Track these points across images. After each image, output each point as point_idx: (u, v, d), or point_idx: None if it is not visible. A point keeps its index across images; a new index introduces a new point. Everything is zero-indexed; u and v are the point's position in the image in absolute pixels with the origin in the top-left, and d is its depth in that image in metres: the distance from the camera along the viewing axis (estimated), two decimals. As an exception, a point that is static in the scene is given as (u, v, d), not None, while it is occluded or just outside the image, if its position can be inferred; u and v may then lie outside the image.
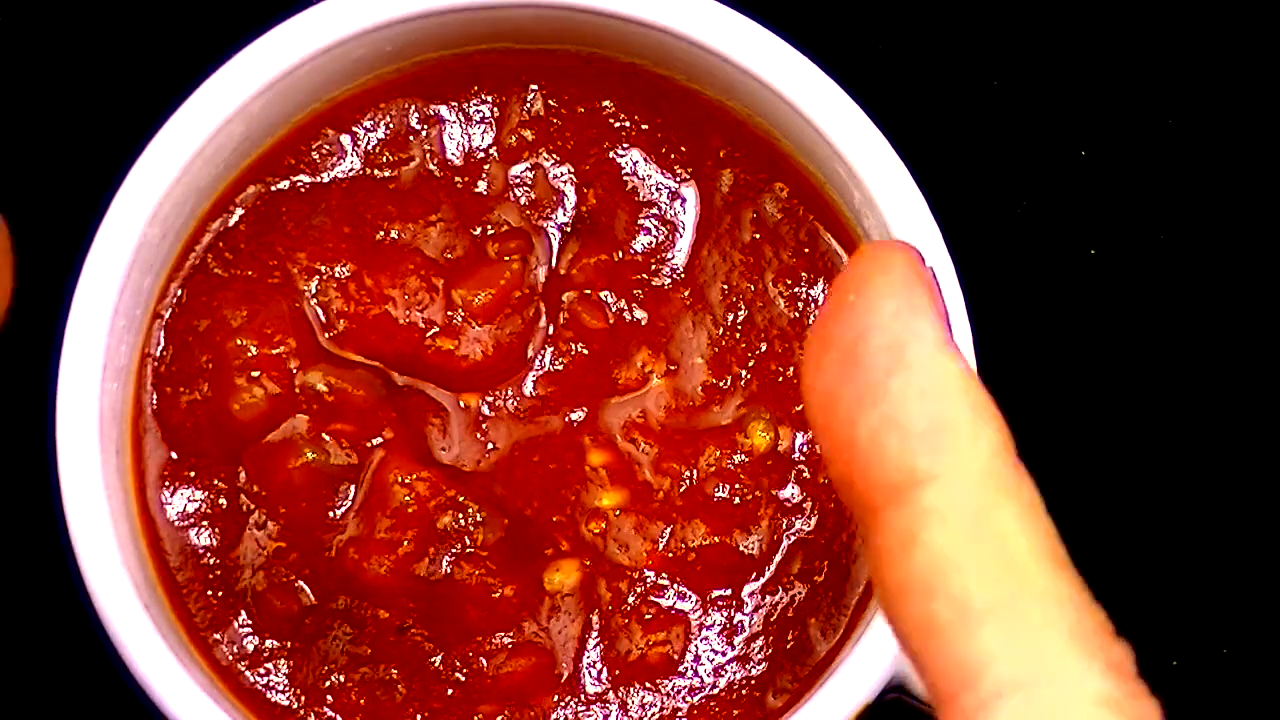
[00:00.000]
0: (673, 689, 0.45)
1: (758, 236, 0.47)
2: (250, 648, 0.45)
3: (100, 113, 0.54)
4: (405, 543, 0.45)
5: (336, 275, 0.46)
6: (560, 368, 0.46)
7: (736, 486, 0.46)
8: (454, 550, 0.45)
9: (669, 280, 0.47)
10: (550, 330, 0.46)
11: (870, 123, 0.45)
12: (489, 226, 0.47)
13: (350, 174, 0.47)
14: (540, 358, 0.46)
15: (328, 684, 0.45)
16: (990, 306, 0.47)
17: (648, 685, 0.45)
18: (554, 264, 0.46)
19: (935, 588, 0.27)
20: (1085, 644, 0.27)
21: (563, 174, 0.47)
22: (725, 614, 0.45)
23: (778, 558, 0.46)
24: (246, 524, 0.45)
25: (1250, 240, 0.54)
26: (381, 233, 0.46)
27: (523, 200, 0.47)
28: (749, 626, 0.45)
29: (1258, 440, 0.54)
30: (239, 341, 0.45)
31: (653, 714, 0.45)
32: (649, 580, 0.45)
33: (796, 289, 0.46)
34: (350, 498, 0.45)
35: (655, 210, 0.47)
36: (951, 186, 0.50)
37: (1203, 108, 0.55)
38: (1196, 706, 0.53)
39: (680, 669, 0.45)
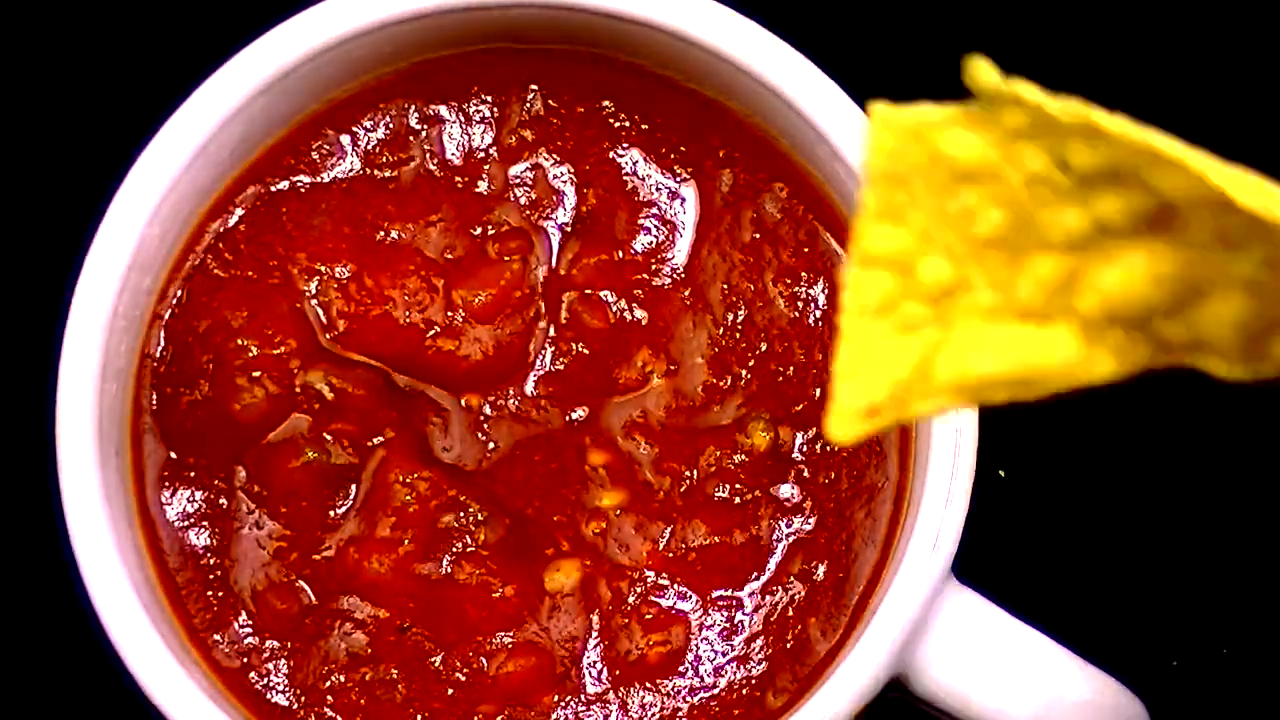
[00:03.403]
0: (673, 689, 0.45)
1: (758, 236, 0.47)
2: (250, 648, 0.45)
3: (100, 113, 0.54)
4: (406, 542, 0.45)
5: (336, 275, 0.46)
6: (561, 368, 0.46)
7: (736, 486, 0.46)
8: (454, 550, 0.45)
9: (669, 280, 0.47)
10: (550, 330, 0.46)
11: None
12: (489, 226, 0.47)
13: (350, 174, 0.47)
14: (541, 358, 0.46)
15: (328, 684, 0.45)
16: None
17: (648, 685, 0.45)
18: (554, 264, 0.46)
19: None
20: None
21: (563, 174, 0.47)
22: (725, 614, 0.45)
23: (777, 558, 0.46)
24: (246, 524, 0.45)
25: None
26: (381, 233, 0.46)
27: (523, 200, 0.47)
28: (749, 626, 0.45)
29: (1257, 440, 0.54)
30: (239, 342, 0.45)
31: (653, 714, 0.45)
32: (649, 580, 0.45)
33: (796, 289, 0.46)
34: (351, 497, 0.45)
35: (655, 210, 0.47)
36: (951, 186, 0.50)
37: (1202, 108, 0.55)
38: (1196, 706, 0.53)
39: (680, 669, 0.45)
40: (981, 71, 0.28)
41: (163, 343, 0.46)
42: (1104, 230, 0.29)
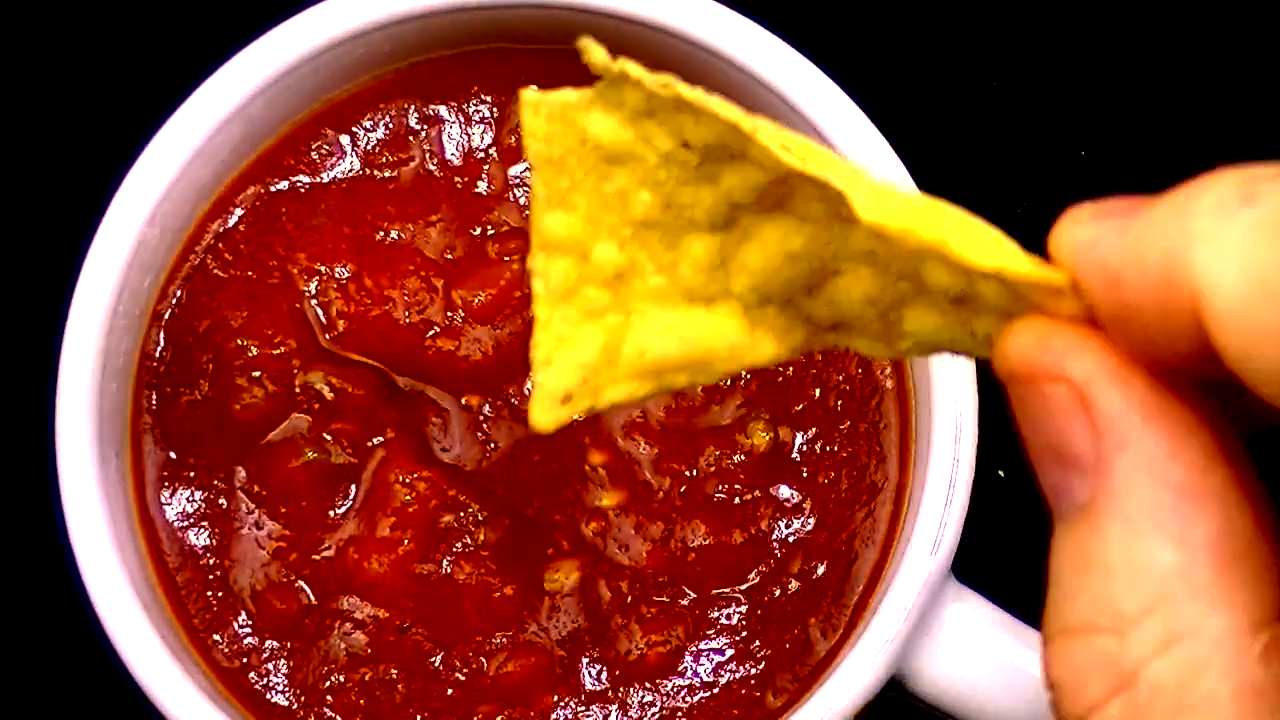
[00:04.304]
0: (673, 689, 0.45)
1: (758, 236, 0.47)
2: (250, 648, 0.45)
3: (100, 113, 0.54)
4: (405, 542, 0.45)
5: (336, 275, 0.46)
6: (560, 368, 0.46)
7: (736, 486, 0.46)
8: (454, 550, 0.45)
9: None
10: (550, 330, 0.46)
11: (870, 123, 0.45)
12: (489, 226, 0.47)
13: (350, 174, 0.47)
14: (540, 358, 0.46)
15: (328, 684, 0.45)
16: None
17: (648, 685, 0.45)
18: (554, 264, 0.46)
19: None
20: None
21: (563, 174, 0.47)
22: (725, 614, 0.45)
23: (777, 558, 0.46)
24: (246, 524, 0.45)
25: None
26: (381, 233, 0.46)
27: (522, 200, 0.47)
28: (749, 626, 0.45)
29: (1256, 439, 0.54)
30: (239, 342, 0.45)
31: (653, 714, 0.45)
32: (649, 580, 0.45)
33: (796, 289, 0.46)
34: (351, 497, 0.45)
35: (655, 210, 0.47)
36: (951, 186, 0.50)
37: (1202, 108, 0.55)
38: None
39: (680, 669, 0.45)
40: (591, 50, 0.30)
41: (163, 343, 0.46)
42: (735, 207, 0.31)
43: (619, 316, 0.31)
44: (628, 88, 0.30)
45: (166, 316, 0.46)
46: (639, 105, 0.30)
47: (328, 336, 0.46)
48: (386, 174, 0.47)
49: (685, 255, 0.31)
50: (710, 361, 0.31)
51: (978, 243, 0.29)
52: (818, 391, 0.46)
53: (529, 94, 0.31)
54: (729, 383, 0.46)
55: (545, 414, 0.31)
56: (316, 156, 0.47)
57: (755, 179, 0.30)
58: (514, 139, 0.47)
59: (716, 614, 0.45)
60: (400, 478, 0.45)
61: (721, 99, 0.30)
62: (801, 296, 0.31)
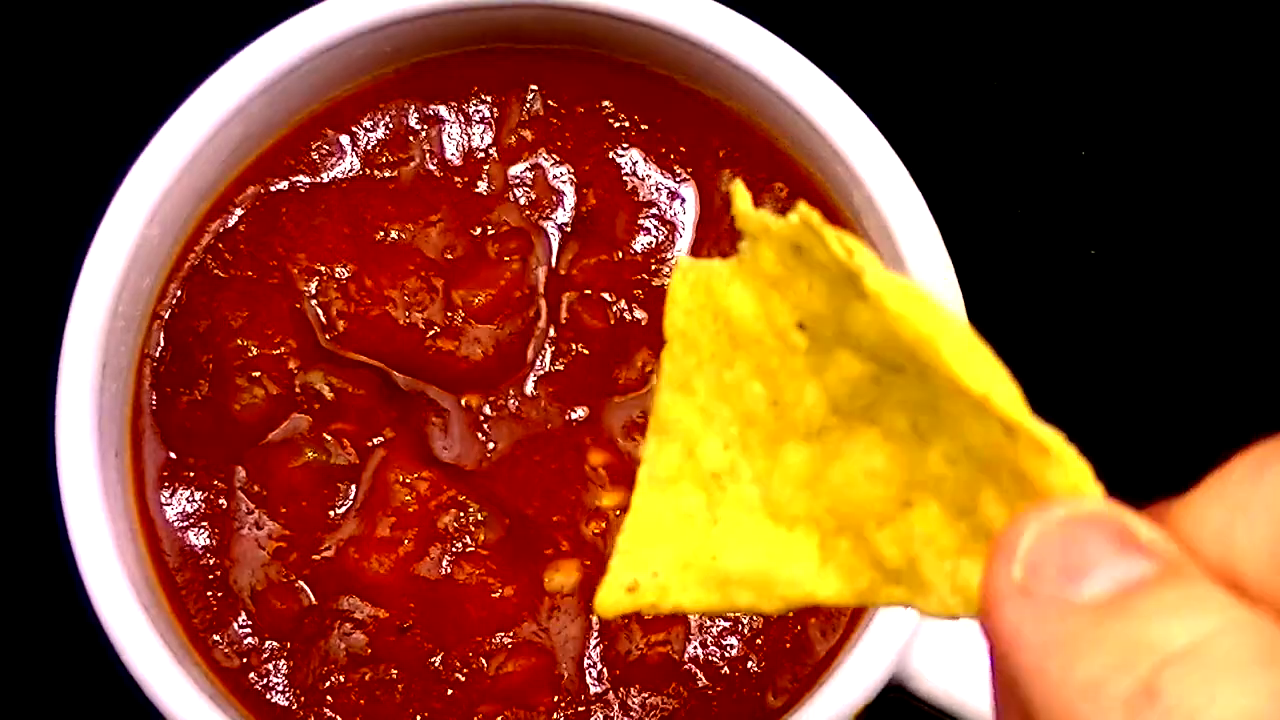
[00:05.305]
0: (673, 689, 0.45)
1: (758, 236, 0.47)
2: (250, 648, 0.45)
3: (100, 113, 0.54)
4: (406, 542, 0.45)
5: (336, 276, 0.46)
6: (561, 368, 0.46)
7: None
8: (454, 550, 0.45)
9: (669, 280, 0.46)
10: (551, 330, 0.46)
11: (870, 123, 0.45)
12: (489, 226, 0.47)
13: (350, 174, 0.47)
14: (541, 358, 0.46)
15: (328, 684, 0.45)
16: (990, 306, 0.47)
17: (648, 685, 0.45)
18: (554, 264, 0.46)
19: None
20: None
21: (562, 174, 0.47)
22: (725, 614, 0.45)
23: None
24: (246, 524, 0.45)
25: (1249, 240, 0.54)
26: (381, 233, 0.46)
27: (523, 200, 0.47)
28: (749, 626, 0.45)
29: (1258, 438, 0.54)
30: (240, 342, 0.45)
31: (653, 714, 0.45)
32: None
33: (796, 289, 0.46)
34: (351, 497, 0.45)
35: (655, 210, 0.47)
36: (951, 187, 0.50)
37: (1202, 108, 0.55)
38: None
39: (680, 669, 0.45)
40: (738, 197, 0.30)
41: (163, 343, 0.46)
42: (833, 411, 0.30)
43: (708, 520, 0.30)
44: (762, 247, 0.30)
45: (166, 316, 0.46)
46: (773, 272, 0.30)
47: (328, 336, 0.46)
48: (386, 174, 0.47)
49: (780, 465, 0.30)
50: (774, 586, 0.30)
51: (971, 360, 0.28)
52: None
53: (684, 260, 0.30)
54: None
55: (610, 600, 0.31)
56: (316, 156, 0.47)
57: (854, 370, 0.29)
58: (514, 139, 0.47)
59: (716, 614, 0.45)
60: (400, 478, 0.45)
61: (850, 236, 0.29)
62: (873, 527, 0.30)
